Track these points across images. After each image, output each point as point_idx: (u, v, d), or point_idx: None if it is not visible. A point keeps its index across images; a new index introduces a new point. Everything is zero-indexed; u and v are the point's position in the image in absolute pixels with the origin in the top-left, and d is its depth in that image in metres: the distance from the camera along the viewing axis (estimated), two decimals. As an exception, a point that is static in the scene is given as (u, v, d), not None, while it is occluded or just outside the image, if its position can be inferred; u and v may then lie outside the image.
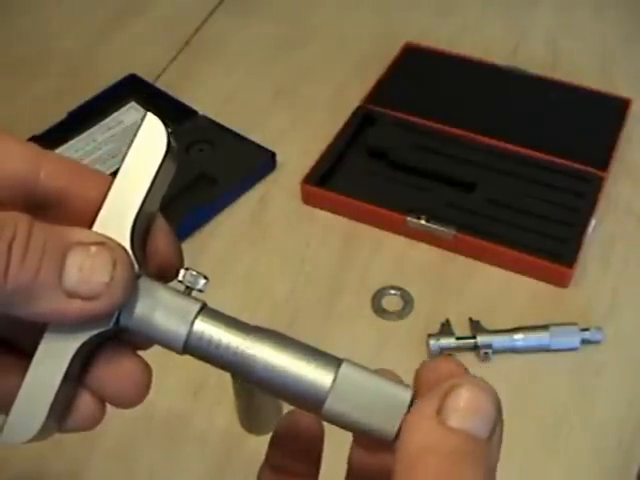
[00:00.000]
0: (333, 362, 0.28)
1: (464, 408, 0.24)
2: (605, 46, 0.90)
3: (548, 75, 0.83)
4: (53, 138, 0.76)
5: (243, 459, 0.57)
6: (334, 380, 0.28)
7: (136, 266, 0.28)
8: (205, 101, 0.81)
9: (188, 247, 0.70)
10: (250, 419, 0.58)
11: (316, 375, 0.28)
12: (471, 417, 0.24)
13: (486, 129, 0.76)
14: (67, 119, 0.79)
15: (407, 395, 0.27)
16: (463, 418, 0.24)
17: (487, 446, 0.25)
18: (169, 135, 0.30)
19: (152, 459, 0.58)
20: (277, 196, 0.74)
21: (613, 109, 0.80)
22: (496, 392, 0.25)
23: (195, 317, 0.28)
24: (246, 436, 0.58)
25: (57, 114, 0.79)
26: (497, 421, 0.25)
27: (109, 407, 0.30)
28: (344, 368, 0.28)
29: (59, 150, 0.76)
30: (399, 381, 0.28)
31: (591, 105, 0.80)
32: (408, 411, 0.27)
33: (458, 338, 0.62)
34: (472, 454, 0.24)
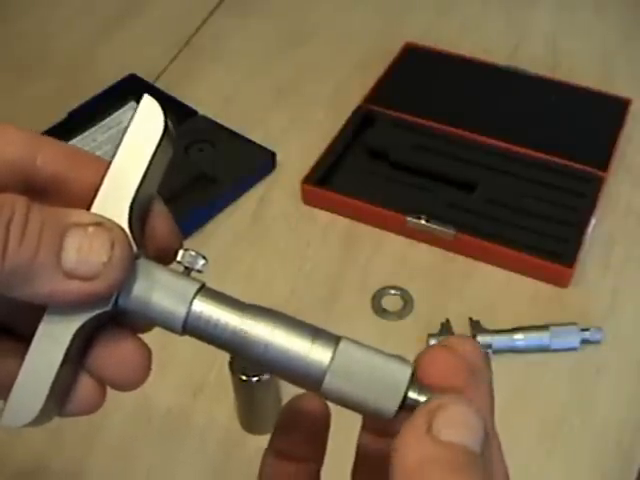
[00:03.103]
0: (332, 339, 0.28)
1: (454, 423, 0.25)
2: (605, 46, 0.90)
3: (548, 75, 0.83)
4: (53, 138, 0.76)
5: (243, 458, 0.57)
6: (332, 357, 0.27)
7: (134, 247, 0.28)
8: (205, 101, 0.81)
9: (188, 247, 0.70)
10: (250, 419, 0.59)
11: (314, 352, 0.28)
12: (461, 432, 0.25)
13: (486, 129, 0.76)
14: (67, 119, 0.79)
15: (407, 370, 0.27)
16: (455, 432, 0.24)
17: (482, 460, 0.25)
18: (166, 116, 0.30)
19: (152, 458, 0.58)
20: (277, 196, 0.74)
21: (613, 109, 0.80)
22: (482, 412, 0.26)
23: (194, 297, 0.28)
24: (246, 436, 0.58)
25: (57, 114, 0.79)
26: (485, 438, 0.25)
27: (108, 403, 0.30)
28: (343, 345, 0.28)
29: (59, 150, 0.76)
30: (399, 357, 0.28)
31: (591, 105, 0.80)
32: (408, 388, 0.27)
33: (458, 338, 0.62)
34: (469, 465, 0.24)
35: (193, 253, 0.29)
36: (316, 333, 0.28)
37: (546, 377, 0.62)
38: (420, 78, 0.84)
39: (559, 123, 0.79)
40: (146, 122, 0.29)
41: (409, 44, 0.86)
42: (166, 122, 0.29)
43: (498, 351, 0.62)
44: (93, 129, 0.78)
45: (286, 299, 0.67)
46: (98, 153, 0.75)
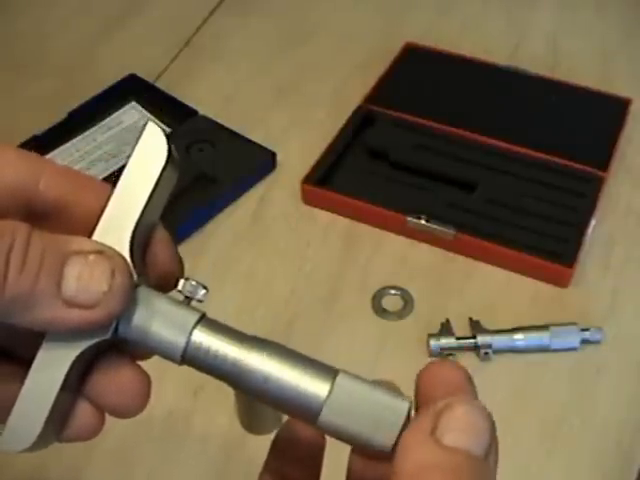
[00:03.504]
0: (329, 373, 0.28)
1: (459, 427, 0.24)
2: (605, 46, 0.90)
3: (548, 75, 0.83)
4: (53, 138, 0.76)
5: (243, 459, 0.57)
6: (330, 391, 0.27)
7: (135, 275, 0.28)
8: (205, 101, 0.81)
9: (188, 247, 0.70)
10: (250, 419, 0.58)
11: (312, 386, 0.28)
12: (466, 435, 0.24)
13: (486, 129, 0.76)
14: (67, 119, 0.79)
15: (404, 406, 0.27)
16: (458, 436, 0.24)
17: (484, 465, 0.24)
18: (170, 144, 0.30)
19: (152, 460, 0.58)
20: (277, 196, 0.74)
21: (613, 109, 0.80)
22: (490, 413, 0.25)
23: (193, 327, 0.28)
24: (246, 436, 0.58)
25: (57, 114, 0.79)
26: (492, 440, 0.25)
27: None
28: (340, 379, 0.28)
29: (59, 150, 0.76)
30: (396, 392, 0.28)
31: (591, 105, 0.80)
32: (406, 423, 0.27)
33: (458, 338, 0.62)
34: (470, 471, 0.24)
35: (194, 283, 0.29)
36: (314, 366, 0.28)
37: (546, 377, 0.62)
38: (420, 78, 0.84)
39: (559, 123, 0.79)
40: (150, 149, 0.29)
41: (409, 44, 0.86)
42: (170, 150, 0.29)
43: (498, 351, 0.62)
44: (93, 129, 0.78)
45: (286, 299, 0.67)
46: (98, 153, 0.76)
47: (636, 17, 0.93)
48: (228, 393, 0.57)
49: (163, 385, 0.59)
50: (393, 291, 0.67)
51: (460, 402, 0.25)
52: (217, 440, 0.58)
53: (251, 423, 0.59)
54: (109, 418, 0.30)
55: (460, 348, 0.62)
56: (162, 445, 0.58)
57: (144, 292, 0.28)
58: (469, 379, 0.27)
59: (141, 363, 0.30)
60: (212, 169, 0.74)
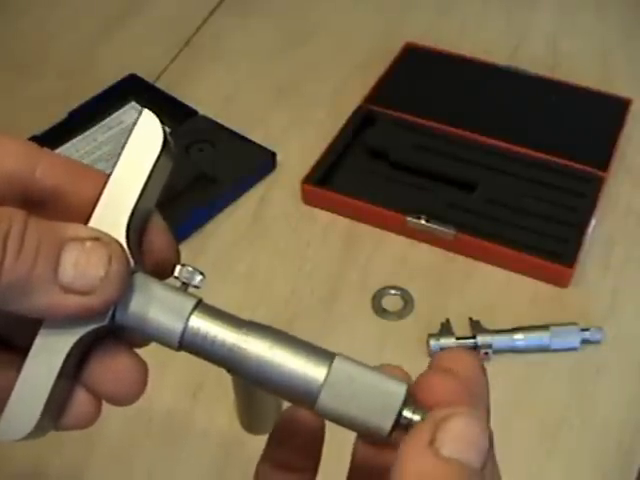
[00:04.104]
0: (326, 357, 0.28)
1: (457, 438, 0.24)
2: (605, 46, 0.90)
3: (548, 75, 0.83)
4: (54, 138, 0.76)
5: (243, 459, 0.57)
6: (327, 375, 0.27)
7: (132, 262, 0.28)
8: (205, 101, 0.81)
9: (188, 247, 0.70)
10: (250, 418, 0.59)
11: (309, 370, 0.27)
12: (464, 447, 0.24)
13: (486, 129, 0.76)
14: (67, 119, 0.79)
15: (402, 389, 0.27)
16: (456, 448, 0.24)
17: (480, 476, 0.24)
18: (165, 131, 0.29)
19: (151, 459, 0.58)
20: (277, 196, 0.74)
21: (613, 109, 0.80)
22: (489, 425, 0.25)
23: (191, 313, 0.28)
24: (246, 436, 0.58)
25: (57, 114, 0.79)
26: (489, 452, 0.25)
27: (108, 406, 0.30)
28: (337, 363, 0.28)
29: (59, 150, 0.76)
30: (394, 375, 0.28)
31: (591, 105, 0.80)
32: (403, 407, 0.27)
33: (458, 338, 0.62)
34: None
35: (190, 269, 0.29)
36: (311, 350, 0.28)
37: (546, 377, 0.62)
38: (420, 78, 0.84)
39: (559, 123, 0.79)
40: (145, 136, 0.29)
41: (409, 44, 0.86)
42: (165, 136, 0.29)
43: (498, 351, 0.62)
44: (93, 129, 0.78)
45: (286, 299, 0.67)
46: (98, 153, 0.76)
47: (636, 18, 0.93)
48: (228, 393, 0.57)
49: (163, 384, 0.59)
50: (393, 291, 0.67)
51: (458, 413, 0.25)
52: (217, 439, 0.58)
53: (251, 423, 0.59)
54: (108, 415, 0.30)
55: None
56: (162, 444, 0.58)
57: (141, 278, 0.28)
58: (466, 393, 0.27)
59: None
60: (212, 169, 0.74)
